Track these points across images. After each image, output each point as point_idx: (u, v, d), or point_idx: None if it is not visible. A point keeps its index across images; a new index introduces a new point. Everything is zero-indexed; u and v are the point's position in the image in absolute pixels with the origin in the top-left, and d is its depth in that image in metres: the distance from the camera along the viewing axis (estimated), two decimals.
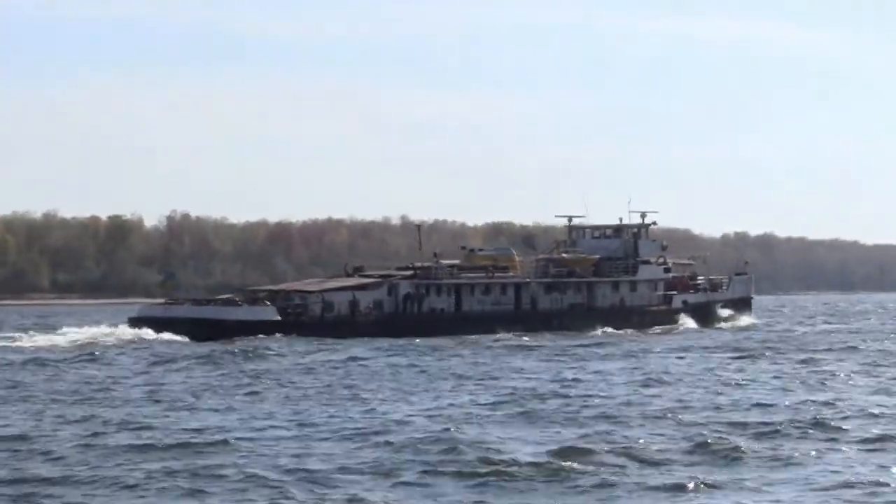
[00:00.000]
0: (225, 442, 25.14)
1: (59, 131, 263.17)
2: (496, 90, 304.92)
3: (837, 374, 40.54)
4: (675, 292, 77.78)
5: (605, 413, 29.92)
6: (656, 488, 20.56)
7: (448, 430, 26.17)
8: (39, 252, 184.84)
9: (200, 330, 64.07)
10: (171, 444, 24.83)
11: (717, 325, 76.87)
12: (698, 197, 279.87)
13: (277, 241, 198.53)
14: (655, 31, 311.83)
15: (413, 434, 25.92)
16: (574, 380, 39.43)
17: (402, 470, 22.02)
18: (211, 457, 23.36)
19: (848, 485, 20.83)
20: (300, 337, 63.63)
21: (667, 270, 78.12)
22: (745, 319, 78.81)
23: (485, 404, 32.25)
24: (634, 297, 77.14)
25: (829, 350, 53.36)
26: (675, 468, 22.43)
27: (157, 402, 33.63)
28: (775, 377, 39.55)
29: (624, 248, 77.40)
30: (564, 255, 76.69)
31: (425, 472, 21.83)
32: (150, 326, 65.20)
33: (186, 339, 62.63)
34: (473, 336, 65.04)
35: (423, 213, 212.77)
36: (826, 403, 31.51)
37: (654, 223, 78.54)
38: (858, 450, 24.42)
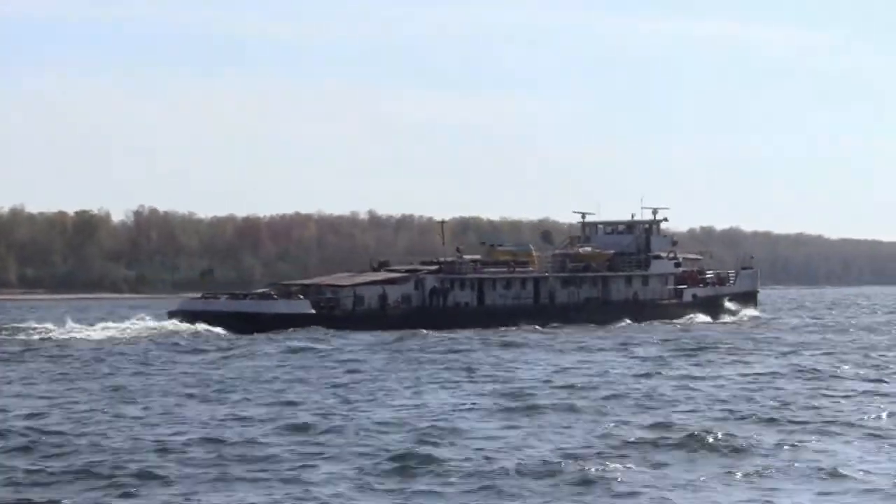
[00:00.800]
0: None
1: (24, 126, 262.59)
2: (462, 88, 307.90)
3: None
4: (685, 286, 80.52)
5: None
6: None
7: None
8: (6, 247, 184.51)
9: (239, 323, 65.91)
10: None
11: (723, 319, 79.65)
12: (665, 192, 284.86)
13: (245, 236, 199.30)
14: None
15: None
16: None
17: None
18: None
19: None
20: (335, 329, 65.55)
21: (677, 265, 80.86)
22: (750, 312, 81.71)
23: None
24: (647, 291, 79.78)
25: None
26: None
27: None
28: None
29: (636, 243, 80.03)
30: (580, 250, 79.02)
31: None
32: (189, 320, 67.03)
33: (225, 332, 64.54)
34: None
35: (390, 209, 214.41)
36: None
37: (666, 219, 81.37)
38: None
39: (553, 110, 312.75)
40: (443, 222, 79.86)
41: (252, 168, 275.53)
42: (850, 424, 26.47)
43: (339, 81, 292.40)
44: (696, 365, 42.55)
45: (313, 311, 68.73)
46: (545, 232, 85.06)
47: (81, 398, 32.69)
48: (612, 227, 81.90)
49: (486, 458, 22.24)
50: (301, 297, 70.55)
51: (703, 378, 37.36)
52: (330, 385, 36.05)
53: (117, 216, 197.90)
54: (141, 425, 26.90)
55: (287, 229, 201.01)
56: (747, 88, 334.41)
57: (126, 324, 66.80)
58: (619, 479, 20.24)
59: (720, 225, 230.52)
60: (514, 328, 69.63)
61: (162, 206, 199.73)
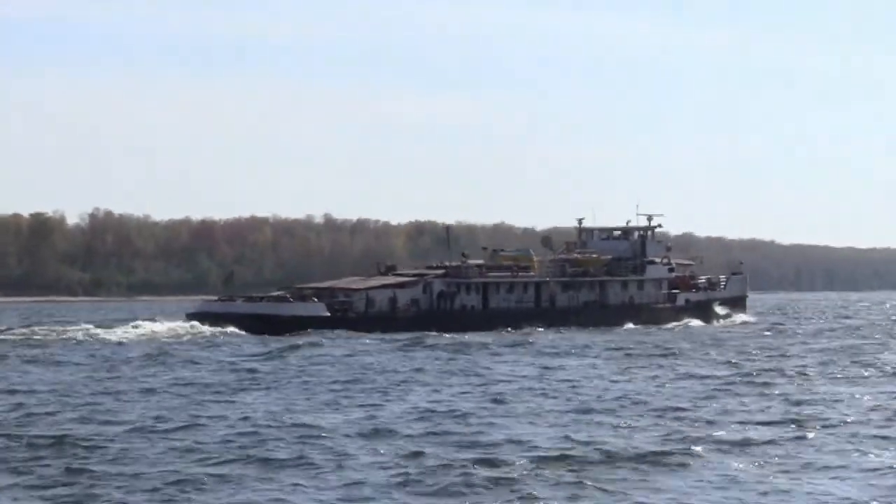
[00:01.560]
0: None
1: None
2: (408, 87, 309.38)
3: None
4: (678, 291, 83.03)
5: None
6: None
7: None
8: None
9: (257, 324, 67.45)
10: None
11: (715, 322, 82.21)
12: (622, 196, 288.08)
13: (201, 239, 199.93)
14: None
15: None
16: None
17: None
18: None
19: None
20: (348, 331, 67.25)
21: (671, 270, 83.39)
22: (740, 317, 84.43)
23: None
24: (642, 296, 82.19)
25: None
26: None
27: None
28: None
29: (632, 249, 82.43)
30: (578, 255, 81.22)
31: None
32: (208, 321, 68.39)
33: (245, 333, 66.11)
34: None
35: (345, 212, 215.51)
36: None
37: (660, 225, 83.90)
38: None
39: (515, 111, 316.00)
40: (448, 227, 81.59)
41: (207, 171, 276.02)
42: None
43: (294, 83, 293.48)
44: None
45: (328, 314, 70.36)
46: (545, 237, 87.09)
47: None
48: (608, 233, 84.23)
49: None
50: (315, 300, 72.09)
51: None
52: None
53: (72, 219, 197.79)
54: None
55: (242, 233, 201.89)
56: (671, 89, 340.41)
57: (155, 325, 68.06)
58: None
59: (674, 230, 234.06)
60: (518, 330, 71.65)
61: (117, 209, 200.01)
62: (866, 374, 40.56)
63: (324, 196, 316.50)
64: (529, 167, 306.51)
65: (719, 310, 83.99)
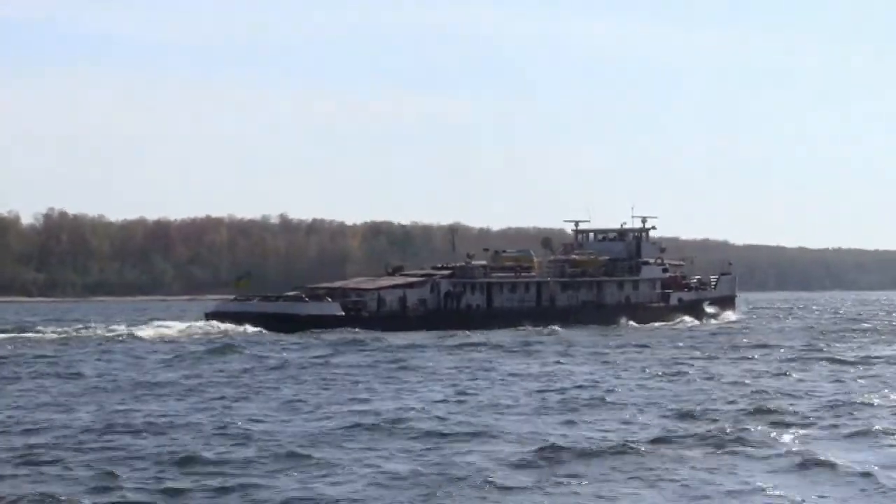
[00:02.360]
0: None
1: None
2: (356, 88, 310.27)
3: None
4: (671, 290, 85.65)
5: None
6: None
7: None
8: None
9: (276, 323, 69.09)
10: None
11: (706, 321, 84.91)
12: (573, 198, 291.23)
13: (156, 239, 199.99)
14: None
15: None
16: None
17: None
18: None
19: None
20: (362, 329, 69.00)
21: (664, 271, 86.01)
22: (730, 315, 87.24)
23: None
24: (638, 295, 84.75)
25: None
26: None
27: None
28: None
29: (627, 250, 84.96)
30: (576, 256, 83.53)
31: None
32: (227, 320, 69.96)
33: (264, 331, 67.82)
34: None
35: (301, 213, 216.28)
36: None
37: (654, 227, 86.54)
38: None
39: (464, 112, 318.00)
40: (454, 229, 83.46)
41: (163, 171, 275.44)
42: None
43: (247, 83, 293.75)
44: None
45: (343, 313, 72.07)
46: (545, 239, 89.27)
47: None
48: (604, 235, 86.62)
49: None
50: (329, 299, 73.75)
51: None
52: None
53: (27, 219, 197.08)
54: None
55: (198, 233, 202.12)
56: (632, 91, 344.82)
57: (182, 325, 69.58)
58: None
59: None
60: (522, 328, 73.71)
61: (72, 209, 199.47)
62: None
63: (279, 196, 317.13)
64: (487, 167, 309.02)
65: (709, 309, 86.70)
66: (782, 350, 51.97)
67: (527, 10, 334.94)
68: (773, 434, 24.91)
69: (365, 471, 21.01)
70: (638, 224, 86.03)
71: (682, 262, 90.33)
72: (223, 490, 19.36)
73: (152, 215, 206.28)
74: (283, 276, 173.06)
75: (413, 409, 29.43)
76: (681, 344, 57.42)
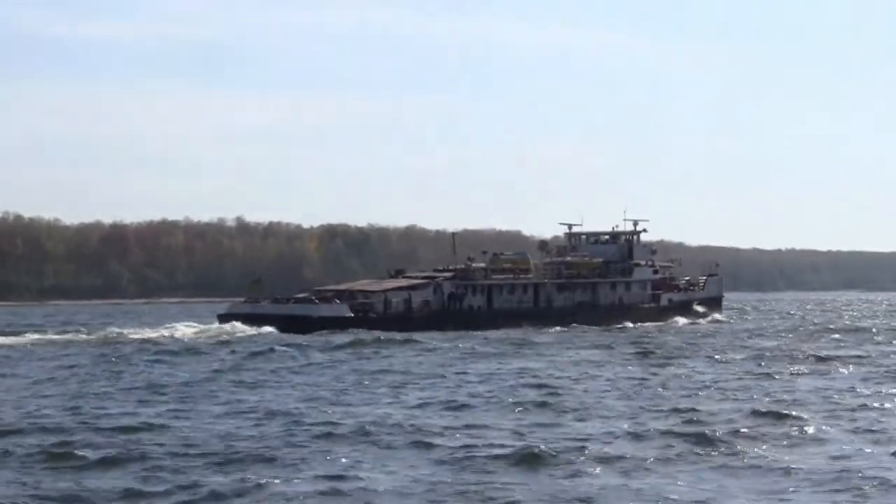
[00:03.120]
0: None
1: None
2: (328, 92, 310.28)
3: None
4: (661, 291, 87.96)
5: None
6: None
7: None
8: None
9: (287, 324, 70.45)
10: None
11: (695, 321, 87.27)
12: (534, 200, 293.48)
13: (112, 243, 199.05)
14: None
15: None
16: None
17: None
18: None
19: None
20: (369, 330, 70.46)
21: (655, 272, 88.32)
22: (716, 316, 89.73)
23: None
24: (630, 296, 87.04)
25: None
26: None
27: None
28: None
29: (619, 252, 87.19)
30: (570, 258, 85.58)
31: None
32: (242, 322, 71.20)
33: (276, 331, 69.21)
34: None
35: (258, 216, 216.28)
36: None
37: (645, 230, 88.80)
38: None
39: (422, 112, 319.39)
40: (454, 234, 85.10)
41: (118, 175, 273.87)
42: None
43: (201, 86, 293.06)
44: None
45: (351, 315, 73.59)
46: (542, 242, 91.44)
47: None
48: (596, 238, 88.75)
49: None
50: (337, 301, 75.20)
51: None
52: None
53: None
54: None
55: (155, 236, 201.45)
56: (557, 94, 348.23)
57: (200, 326, 70.60)
58: None
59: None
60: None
61: (26, 213, 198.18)
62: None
63: (235, 200, 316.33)
64: (443, 167, 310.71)
65: (698, 308, 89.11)
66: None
67: (523, 14, 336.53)
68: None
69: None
70: (629, 227, 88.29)
71: (671, 264, 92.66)
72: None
73: (108, 219, 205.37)
74: (241, 280, 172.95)
75: None
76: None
